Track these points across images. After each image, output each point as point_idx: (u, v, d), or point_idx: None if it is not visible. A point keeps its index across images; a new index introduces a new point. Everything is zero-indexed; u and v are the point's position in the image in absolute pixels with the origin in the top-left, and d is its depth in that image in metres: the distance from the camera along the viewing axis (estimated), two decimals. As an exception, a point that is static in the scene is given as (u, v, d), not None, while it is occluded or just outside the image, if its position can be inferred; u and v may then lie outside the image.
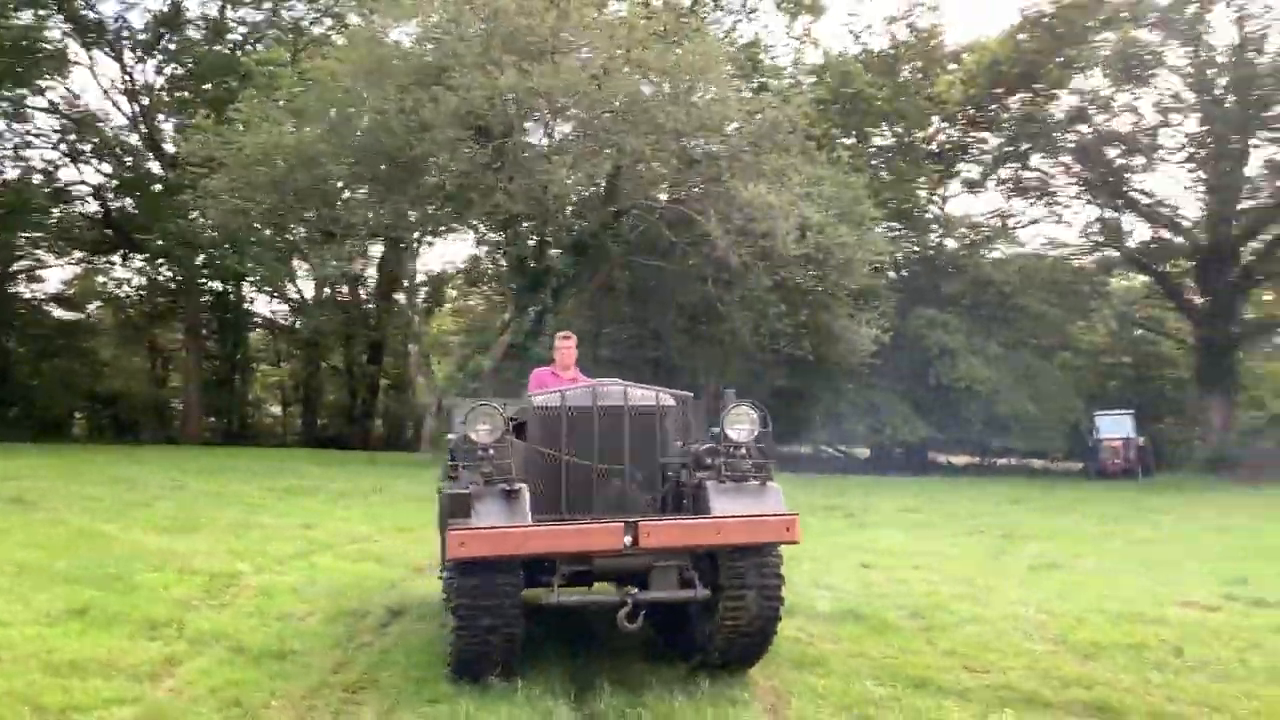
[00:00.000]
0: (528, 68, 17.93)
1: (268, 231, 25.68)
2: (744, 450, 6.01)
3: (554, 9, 18.83)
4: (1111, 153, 35.31)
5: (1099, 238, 37.59)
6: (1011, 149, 35.90)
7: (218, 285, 33.51)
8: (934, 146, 36.42)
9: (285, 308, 36.74)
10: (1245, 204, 33.34)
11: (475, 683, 5.70)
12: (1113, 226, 37.16)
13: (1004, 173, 37.04)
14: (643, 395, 6.21)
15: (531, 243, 22.07)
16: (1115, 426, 31.13)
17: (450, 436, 8.03)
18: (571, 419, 6.05)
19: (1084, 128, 34.93)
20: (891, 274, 32.55)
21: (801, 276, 21.75)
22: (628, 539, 5.37)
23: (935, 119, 35.27)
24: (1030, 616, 8.07)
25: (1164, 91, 34.51)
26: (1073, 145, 35.00)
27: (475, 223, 23.18)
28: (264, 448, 30.71)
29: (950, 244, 36.85)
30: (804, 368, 25.02)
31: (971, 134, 36.78)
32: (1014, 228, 38.03)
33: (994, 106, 35.23)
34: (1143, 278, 37.63)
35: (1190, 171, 35.46)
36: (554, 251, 22.01)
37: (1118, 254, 37.07)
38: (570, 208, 21.81)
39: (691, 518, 5.70)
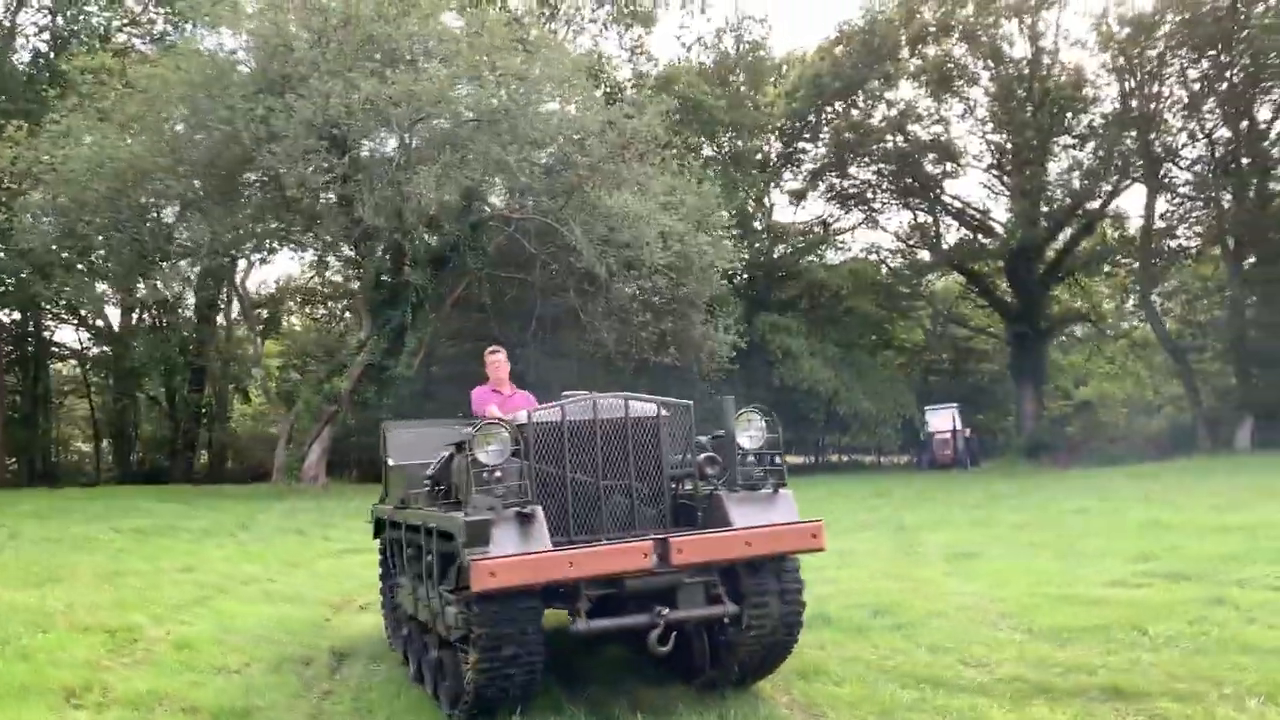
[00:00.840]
0: (387, 75, 17.18)
1: (77, 254, 23.53)
2: (752, 458, 5.87)
3: (411, 15, 18.13)
4: (925, 161, 37.41)
5: (915, 241, 39.75)
6: (832, 159, 37.42)
7: (15, 314, 30.63)
8: (760, 157, 37.53)
9: (87, 335, 34.05)
10: (1045, 208, 35.96)
11: None
12: (928, 230, 39.33)
13: (825, 182, 38.59)
14: (643, 407, 5.97)
15: (386, 257, 21.14)
16: (943, 420, 32.87)
17: (391, 461, 7.53)
18: (572, 434, 5.75)
19: (899, 137, 36.83)
20: (730, 281, 33.23)
21: (664, 285, 21.83)
22: (656, 558, 5.16)
23: (765, 130, 36.33)
24: (984, 606, 8.27)
25: (971, 102, 36.89)
26: (889, 154, 36.80)
27: (326, 238, 22.01)
28: (82, 487, 28.24)
29: (780, 250, 37.96)
30: (662, 375, 25.14)
31: (795, 144, 38.15)
32: (837, 234, 39.70)
33: (814, 119, 36.70)
34: (958, 277, 39.90)
35: (996, 177, 38.01)
36: (411, 266, 21.18)
37: (933, 256, 39.22)
38: (428, 220, 21.05)
39: (719, 531, 5.47)
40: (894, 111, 36.77)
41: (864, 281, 35.48)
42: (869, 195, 39.29)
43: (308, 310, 35.29)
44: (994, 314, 39.40)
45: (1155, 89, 33.39)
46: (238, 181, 19.77)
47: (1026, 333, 36.02)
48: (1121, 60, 33.92)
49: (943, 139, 37.03)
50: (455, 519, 5.19)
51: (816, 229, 38.53)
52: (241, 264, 26.19)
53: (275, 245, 22.98)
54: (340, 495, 21.03)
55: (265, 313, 29.67)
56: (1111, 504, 16.87)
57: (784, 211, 37.42)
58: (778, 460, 5.94)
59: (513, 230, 21.71)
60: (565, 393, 6.22)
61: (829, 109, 36.86)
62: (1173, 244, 35.22)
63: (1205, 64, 32.46)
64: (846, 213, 39.74)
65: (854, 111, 37.13)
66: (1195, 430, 33.79)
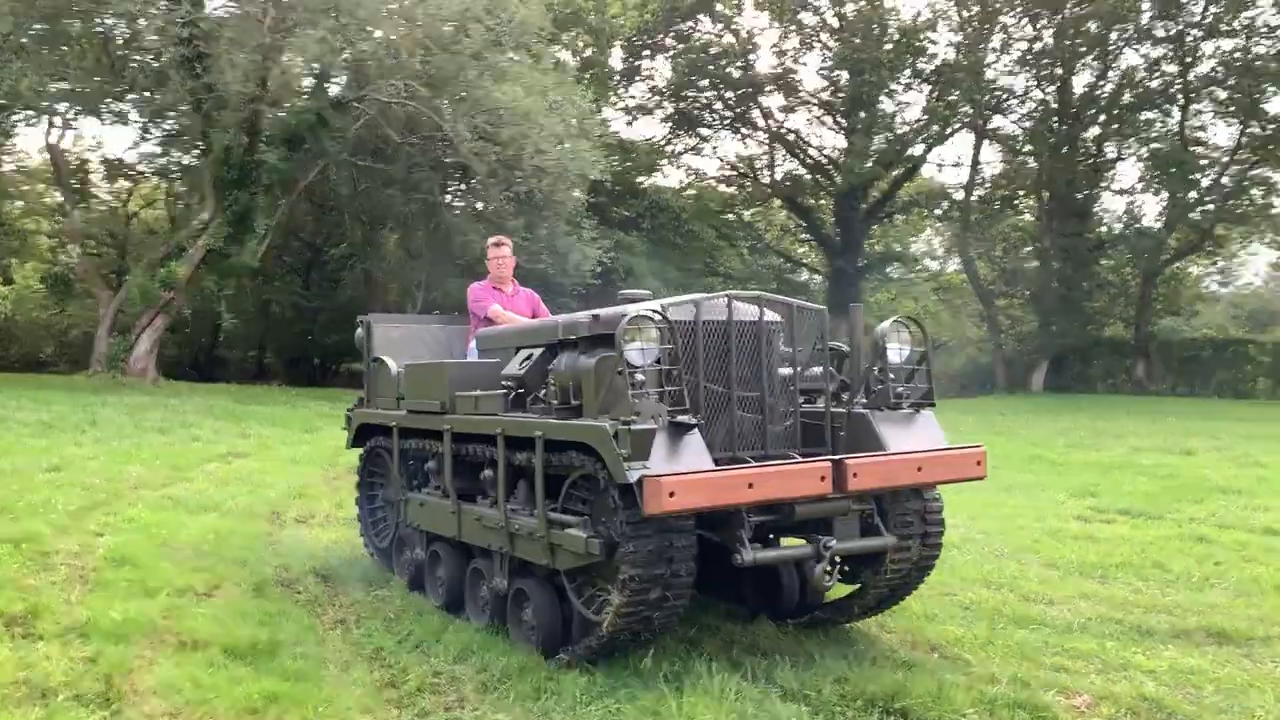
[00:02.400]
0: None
1: None
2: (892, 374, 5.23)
3: None
4: (765, 92, 37.62)
5: (746, 171, 40.12)
6: (674, 79, 36.91)
7: None
8: (603, 69, 36.52)
9: None
10: (875, 149, 37.03)
11: (594, 666, 4.82)
12: (760, 162, 39.78)
13: (667, 103, 38.12)
14: (771, 310, 5.17)
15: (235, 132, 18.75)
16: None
17: (379, 357, 6.91)
18: (707, 336, 4.92)
19: (739, 66, 36.74)
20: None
21: (538, 189, 20.73)
22: (832, 482, 4.56)
23: (613, 40, 35.29)
24: (981, 540, 8.24)
25: (808, 33, 37.23)
26: (731, 81, 36.67)
27: (160, 104, 19.26)
28: None
29: (621, 166, 37.30)
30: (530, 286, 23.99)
31: (638, 60, 37.36)
32: (672, 157, 39.45)
33: (661, 36, 36.00)
34: (785, 211, 40.68)
35: (830, 113, 38.74)
36: (266, 144, 18.92)
37: (766, 187, 39.75)
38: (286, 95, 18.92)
39: (890, 454, 4.88)
40: (738, 38, 36.63)
41: (704, 206, 35.46)
42: (707, 120, 39.16)
43: (120, 185, 31.43)
44: (819, 248, 40.49)
45: (986, 43, 34.84)
46: (59, 28, 16.91)
47: (846, 269, 37.26)
48: (955, 10, 35.18)
49: (782, 70, 37.30)
50: (600, 428, 4.35)
51: (659, 147, 38.07)
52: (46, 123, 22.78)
53: (102, 106, 19.99)
54: (177, 392, 18.93)
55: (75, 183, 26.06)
56: (972, 437, 17.70)
57: (618, 127, 36.71)
58: (920, 378, 5.29)
59: (377, 113, 19.88)
60: (623, 292, 5.69)
61: (676, 27, 36.24)
62: (992, 194, 37.18)
63: (1028, 24, 34.22)
64: (676, 137, 39.52)
65: (700, 34, 36.70)
66: (994, 371, 36.31)
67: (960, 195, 36.97)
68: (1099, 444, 16.30)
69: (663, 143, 39.09)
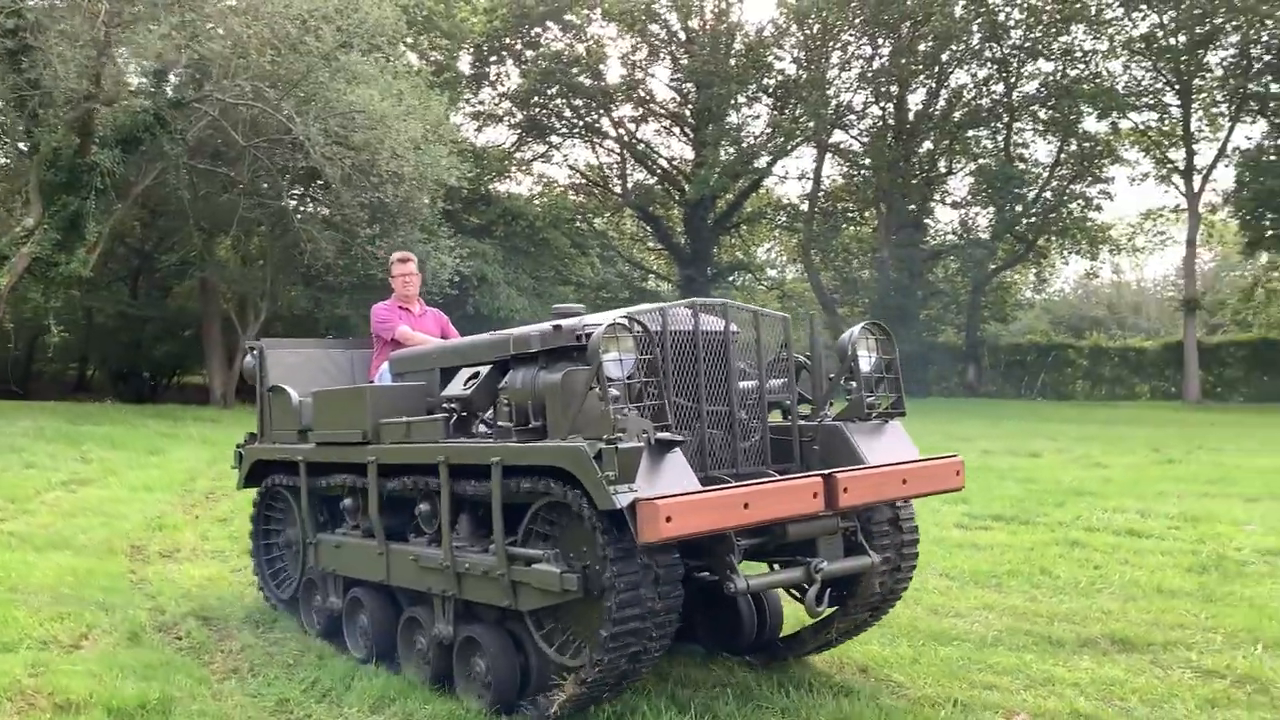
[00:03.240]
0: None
1: None
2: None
3: None
4: (616, 102, 37.75)
5: (598, 180, 40.19)
6: (525, 86, 36.60)
7: None
8: (452, 74, 35.86)
9: None
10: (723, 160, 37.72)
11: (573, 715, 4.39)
12: (611, 171, 39.91)
13: (516, 109, 37.73)
14: (740, 318, 4.87)
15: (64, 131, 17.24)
16: (624, 357, 33.74)
17: (278, 385, 6.34)
18: (675, 348, 4.51)
19: (589, 75, 36.76)
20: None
21: (394, 196, 20.03)
22: (822, 499, 4.23)
23: (462, 45, 34.69)
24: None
25: (656, 45, 37.62)
26: (582, 90, 36.64)
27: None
28: None
29: (473, 172, 36.70)
30: (366, 296, 23.24)
31: (487, 65, 36.85)
32: (521, 164, 39.09)
33: (510, 40, 35.62)
34: (636, 219, 40.93)
35: (679, 124, 39.24)
36: (99, 145, 17.47)
37: (618, 196, 39.90)
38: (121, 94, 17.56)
39: (877, 467, 4.57)
40: (588, 48, 36.63)
41: (557, 215, 35.26)
42: (557, 128, 38.98)
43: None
44: (669, 257, 40.91)
45: (827, 60, 36.04)
46: None
47: (695, 278, 37.80)
48: (797, 28, 36.24)
49: (631, 81, 37.53)
50: (576, 449, 3.89)
51: (509, 153, 37.64)
52: None
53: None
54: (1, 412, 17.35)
55: None
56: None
57: (467, 133, 36.07)
58: (887, 386, 5.01)
59: (218, 114, 18.77)
60: (556, 307, 5.19)
61: (526, 33, 35.93)
62: (834, 205, 38.43)
63: (866, 43, 35.63)
64: (525, 144, 39.21)
65: (551, 41, 36.50)
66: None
67: (804, 207, 38.03)
68: (951, 448, 16.90)
69: (512, 149, 38.70)
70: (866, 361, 4.94)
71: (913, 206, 36.35)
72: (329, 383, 6.48)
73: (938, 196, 37.74)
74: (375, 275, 20.73)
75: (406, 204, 20.74)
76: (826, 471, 4.36)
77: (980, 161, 35.96)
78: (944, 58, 34.69)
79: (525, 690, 4.63)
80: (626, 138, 38.91)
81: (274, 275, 23.29)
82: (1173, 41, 32.42)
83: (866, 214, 38.18)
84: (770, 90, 37.14)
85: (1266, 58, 31.16)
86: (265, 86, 17.83)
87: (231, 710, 4.81)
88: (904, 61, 34.62)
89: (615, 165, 39.99)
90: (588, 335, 4.23)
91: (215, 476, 12.41)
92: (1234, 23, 31.00)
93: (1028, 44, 33.78)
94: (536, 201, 36.53)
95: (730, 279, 42.88)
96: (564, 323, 4.54)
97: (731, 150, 37.40)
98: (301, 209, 20.46)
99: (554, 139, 39.14)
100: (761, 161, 37.60)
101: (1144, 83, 33.91)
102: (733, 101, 36.89)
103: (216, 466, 13.01)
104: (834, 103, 35.89)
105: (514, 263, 32.69)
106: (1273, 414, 26.18)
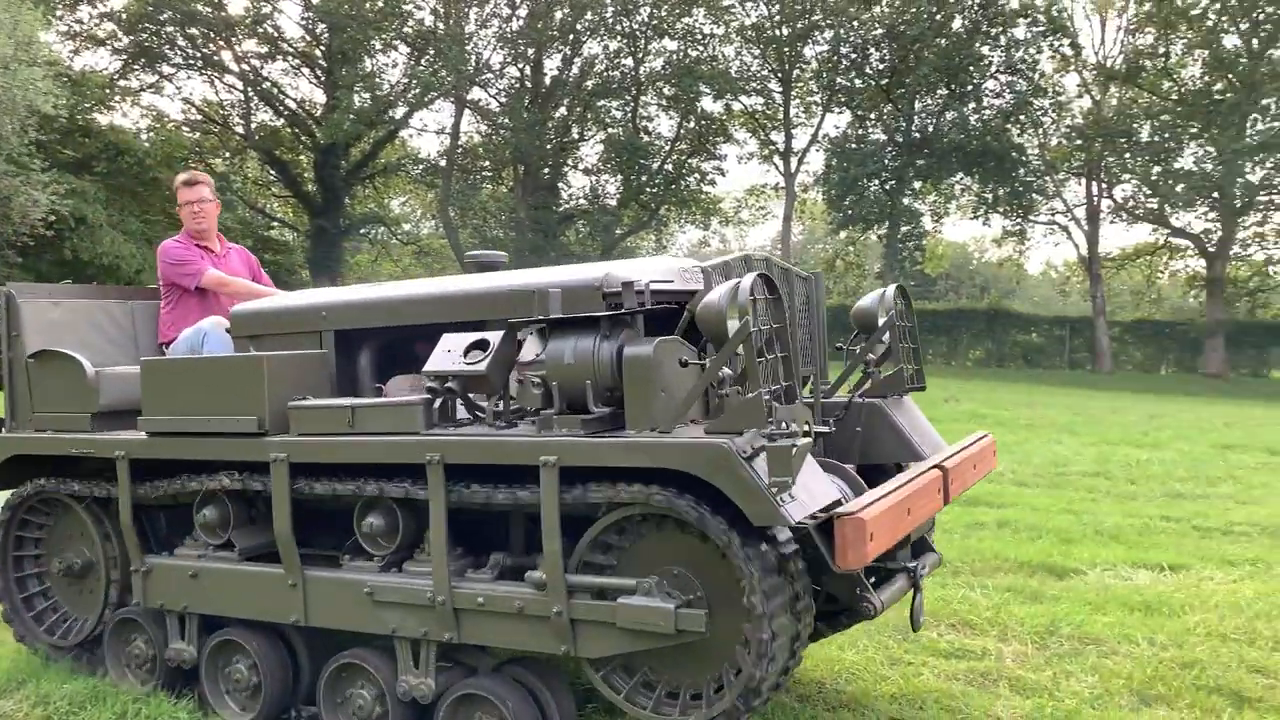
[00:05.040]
0: None
1: None
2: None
3: None
4: (240, 36, 35.32)
5: (217, 118, 37.51)
6: (136, 8, 33.23)
7: None
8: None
9: None
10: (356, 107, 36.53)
11: None
12: (232, 109, 37.40)
13: (122, 33, 34.15)
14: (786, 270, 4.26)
15: None
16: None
17: (57, 349, 4.76)
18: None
19: (209, 4, 34.07)
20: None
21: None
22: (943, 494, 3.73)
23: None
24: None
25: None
26: (202, 19, 33.91)
27: None
28: None
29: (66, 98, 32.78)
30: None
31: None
32: (126, 94, 35.48)
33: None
34: (262, 164, 38.65)
35: (309, 65, 37.49)
36: None
37: (240, 137, 37.48)
38: None
39: (960, 452, 4.03)
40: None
41: (170, 153, 32.42)
42: (170, 58, 35.78)
43: None
44: (298, 205, 39.15)
45: (467, 15, 36.02)
46: None
47: (327, 228, 36.57)
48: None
49: (259, 15, 35.28)
50: (719, 448, 3.00)
51: (116, 82, 33.99)
52: None
53: None
54: None
55: None
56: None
57: (60, 54, 31.95)
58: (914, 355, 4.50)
59: None
60: (472, 254, 4.49)
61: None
62: (472, 163, 38.63)
63: (505, 3, 36.10)
64: (131, 72, 35.65)
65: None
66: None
67: (443, 162, 37.91)
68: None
69: (116, 76, 34.95)
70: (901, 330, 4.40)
71: (547, 170, 37.46)
72: (108, 346, 5.25)
73: (571, 162, 39.15)
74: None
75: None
76: (938, 462, 3.82)
77: (610, 131, 37.73)
78: (579, 26, 35.89)
79: None
80: (251, 75, 36.53)
81: None
82: (778, 33, 35.88)
83: (504, 174, 38.79)
84: (409, 39, 36.45)
85: (853, 55, 35.41)
86: None
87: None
88: (540, 26, 35.40)
89: (238, 104, 37.46)
90: (649, 293, 3.44)
91: None
92: (828, 21, 34.91)
93: (655, 21, 35.82)
94: (146, 137, 33.38)
95: (363, 231, 41.90)
96: (615, 272, 3.64)
97: (366, 97, 36.31)
98: None
99: (166, 69, 35.87)
100: (398, 112, 36.89)
101: (753, 69, 37.26)
102: (368, 46, 35.81)
103: None
104: (473, 59, 35.96)
105: (119, 204, 29.75)
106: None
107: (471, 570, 3.69)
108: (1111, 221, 39.07)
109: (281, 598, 4.06)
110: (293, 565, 4.01)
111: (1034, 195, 36.14)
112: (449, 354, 3.62)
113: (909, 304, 4.50)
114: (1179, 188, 34.11)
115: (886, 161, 35.08)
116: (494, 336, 3.55)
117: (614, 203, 38.20)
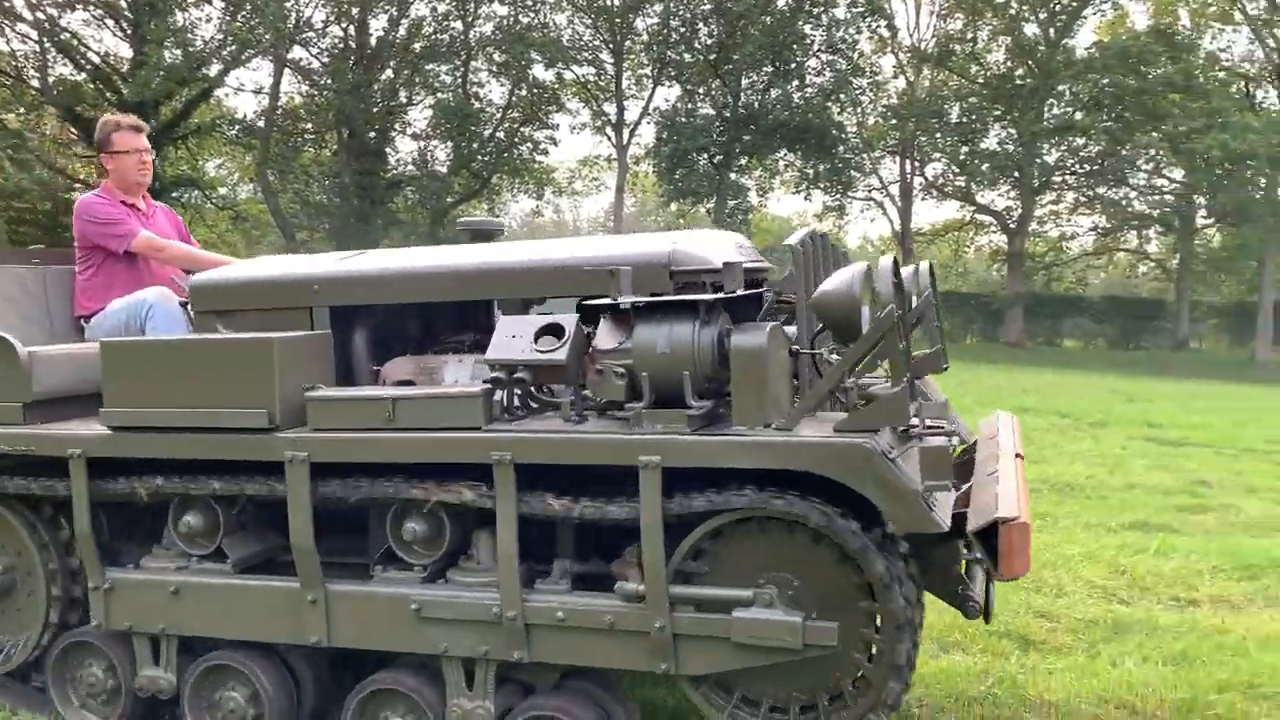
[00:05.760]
0: None
1: None
2: None
3: None
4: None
5: (9, 70, 34.73)
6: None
7: None
8: None
9: None
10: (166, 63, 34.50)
11: None
12: (29, 62, 34.71)
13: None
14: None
15: None
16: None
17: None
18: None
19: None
20: None
21: None
22: None
23: None
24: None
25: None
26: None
27: None
28: None
29: None
30: None
31: None
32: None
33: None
34: (62, 121, 36.00)
35: (114, 17, 35.13)
36: None
37: (36, 91, 34.84)
38: None
39: (998, 433, 3.99)
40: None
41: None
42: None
43: None
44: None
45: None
46: None
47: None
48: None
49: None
50: (862, 448, 2.80)
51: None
52: None
53: None
54: None
55: None
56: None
57: None
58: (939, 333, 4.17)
59: None
60: (466, 220, 4.32)
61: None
62: (294, 125, 37.13)
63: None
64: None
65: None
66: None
67: (261, 124, 36.28)
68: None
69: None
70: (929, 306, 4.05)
71: (374, 135, 36.41)
72: (20, 321, 4.55)
73: (398, 126, 38.18)
74: None
75: None
76: (1015, 451, 3.71)
77: (439, 96, 36.96)
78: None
79: None
80: (47, 24, 33.87)
81: None
82: (609, 3, 35.94)
83: (327, 137, 37.47)
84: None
85: (682, 29, 35.86)
86: None
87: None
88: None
89: (33, 55, 34.70)
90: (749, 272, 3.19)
91: None
92: (657, -6, 35.24)
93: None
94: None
95: (175, 195, 39.63)
96: (683, 245, 3.41)
97: (178, 53, 34.29)
98: None
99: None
100: (213, 70, 35.00)
101: (585, 38, 37.22)
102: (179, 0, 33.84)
103: None
104: (293, 16, 34.47)
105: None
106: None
107: (540, 581, 3.33)
108: (923, 198, 41.17)
109: (297, 615, 3.54)
110: (313, 579, 3.50)
111: (852, 172, 37.67)
112: (515, 340, 3.22)
113: (933, 275, 4.12)
114: (984, 167, 36.31)
115: (715, 136, 35.79)
116: (568, 321, 3.20)
117: (444, 170, 37.52)
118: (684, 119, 36.44)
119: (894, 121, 37.61)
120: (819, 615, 2.98)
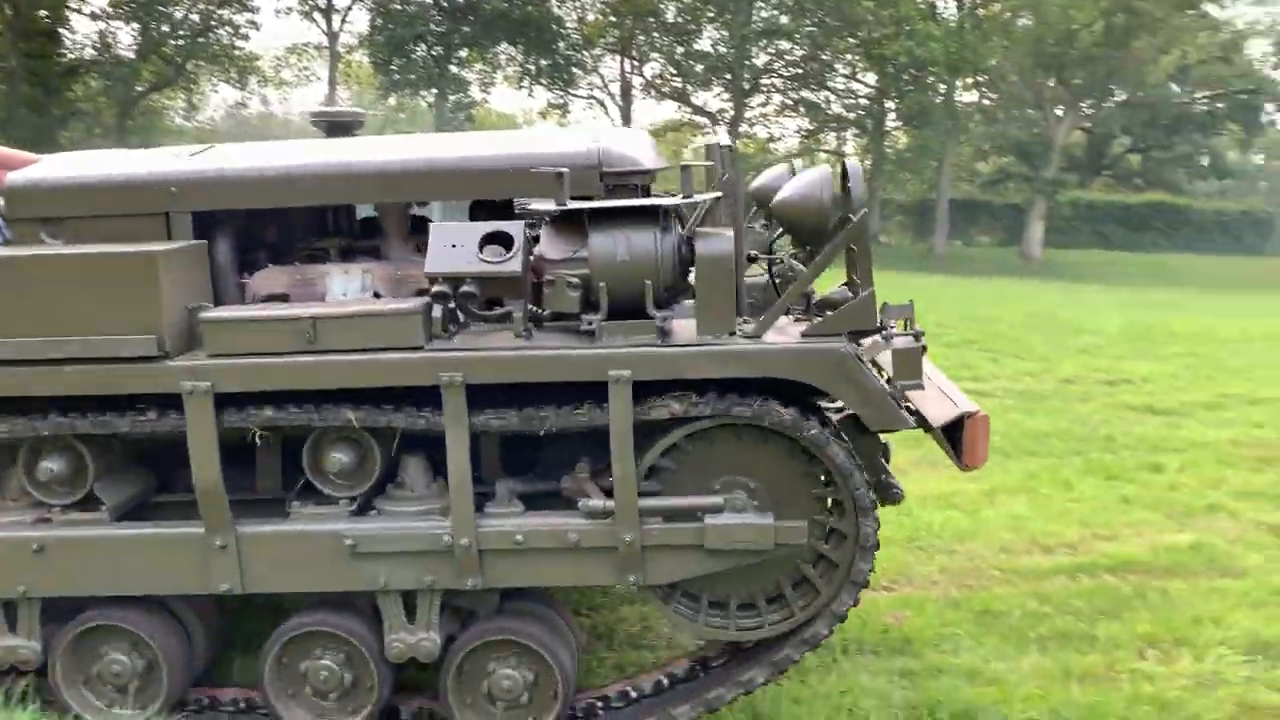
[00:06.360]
0: None
1: None
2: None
3: None
4: None
5: None
6: None
7: None
8: None
9: None
10: None
11: None
12: None
13: None
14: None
15: None
16: None
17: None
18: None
19: None
20: None
21: None
22: None
23: None
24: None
25: None
26: None
27: None
28: None
29: None
30: None
31: None
32: None
33: None
34: None
35: None
36: None
37: None
38: None
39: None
40: None
41: None
42: None
43: None
44: None
45: None
46: None
47: None
48: None
49: None
50: (836, 352, 2.88)
51: None
52: None
53: None
54: None
55: None
56: None
57: None
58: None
59: None
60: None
61: None
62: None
63: None
64: None
65: None
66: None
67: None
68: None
69: None
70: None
71: (46, 13, 32.35)
72: None
73: (74, 5, 34.07)
74: None
75: None
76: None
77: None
78: None
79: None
80: None
81: None
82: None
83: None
84: None
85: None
86: None
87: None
88: None
89: None
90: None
91: None
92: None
93: None
94: None
95: None
96: (636, 154, 3.28)
97: None
98: None
99: None
100: None
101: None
102: None
103: None
104: None
105: None
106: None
107: (489, 504, 3.16)
108: (643, 98, 41.90)
109: (203, 564, 3.14)
110: (222, 522, 3.10)
111: (574, 69, 37.66)
112: (457, 250, 2.90)
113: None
114: (699, 68, 37.35)
115: (433, 26, 34.57)
116: (514, 229, 2.92)
117: (131, 54, 34.02)
118: (399, 5, 34.89)
119: (612, 19, 37.78)
120: (776, 511, 3.04)
